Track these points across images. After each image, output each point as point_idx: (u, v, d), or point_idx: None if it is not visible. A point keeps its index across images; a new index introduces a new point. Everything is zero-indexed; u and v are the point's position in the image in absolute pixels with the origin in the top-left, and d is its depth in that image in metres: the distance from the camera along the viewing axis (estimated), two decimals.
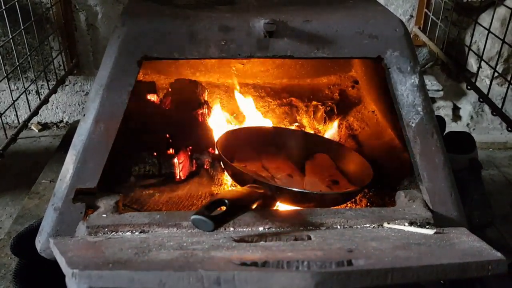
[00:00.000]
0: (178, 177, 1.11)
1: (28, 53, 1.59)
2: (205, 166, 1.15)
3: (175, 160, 1.10)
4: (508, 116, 1.34)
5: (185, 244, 0.75)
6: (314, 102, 1.48)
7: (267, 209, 0.91)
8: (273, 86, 1.52)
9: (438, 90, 1.89)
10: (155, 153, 1.10)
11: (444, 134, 1.44)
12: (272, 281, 0.60)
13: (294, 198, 0.99)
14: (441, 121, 1.49)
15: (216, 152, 1.13)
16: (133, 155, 1.08)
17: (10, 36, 1.45)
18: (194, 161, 1.15)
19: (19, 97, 1.54)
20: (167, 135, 1.15)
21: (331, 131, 1.41)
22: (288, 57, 0.92)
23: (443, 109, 2.01)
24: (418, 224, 0.89)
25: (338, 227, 0.88)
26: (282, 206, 0.99)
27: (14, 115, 1.73)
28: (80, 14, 1.80)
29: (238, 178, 1.07)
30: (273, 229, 0.85)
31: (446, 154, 0.94)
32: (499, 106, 1.38)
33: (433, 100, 1.95)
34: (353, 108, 1.46)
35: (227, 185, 1.15)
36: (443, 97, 1.95)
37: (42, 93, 1.73)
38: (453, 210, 0.93)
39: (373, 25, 0.92)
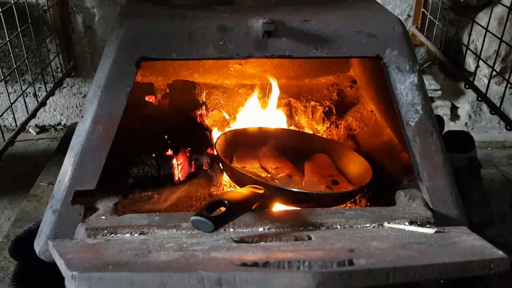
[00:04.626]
0: (177, 178, 1.10)
1: (26, 56, 1.58)
2: (204, 167, 1.14)
3: (174, 161, 1.10)
4: (507, 115, 1.34)
5: (185, 245, 0.75)
6: (313, 103, 1.48)
7: (266, 209, 0.91)
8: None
9: (436, 90, 1.89)
10: (153, 155, 1.09)
11: (442, 133, 1.43)
12: (274, 281, 0.60)
13: (293, 198, 0.98)
14: (439, 121, 1.49)
15: (215, 153, 1.12)
16: (132, 157, 1.08)
17: (7, 39, 1.44)
18: (193, 162, 1.14)
19: (16, 99, 1.54)
20: (166, 137, 1.14)
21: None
22: (286, 57, 0.92)
23: (441, 109, 2.01)
24: (419, 223, 0.88)
25: (338, 227, 0.88)
26: (281, 207, 0.99)
27: (12, 117, 1.73)
28: (77, 16, 1.79)
29: (237, 179, 1.07)
30: (273, 230, 0.85)
31: (445, 153, 0.94)
32: (497, 105, 1.38)
33: (431, 99, 1.95)
34: (351, 108, 1.46)
35: (226, 186, 1.14)
36: (441, 97, 1.95)
37: (39, 95, 1.72)
38: (454, 209, 0.93)
39: (371, 24, 0.92)
